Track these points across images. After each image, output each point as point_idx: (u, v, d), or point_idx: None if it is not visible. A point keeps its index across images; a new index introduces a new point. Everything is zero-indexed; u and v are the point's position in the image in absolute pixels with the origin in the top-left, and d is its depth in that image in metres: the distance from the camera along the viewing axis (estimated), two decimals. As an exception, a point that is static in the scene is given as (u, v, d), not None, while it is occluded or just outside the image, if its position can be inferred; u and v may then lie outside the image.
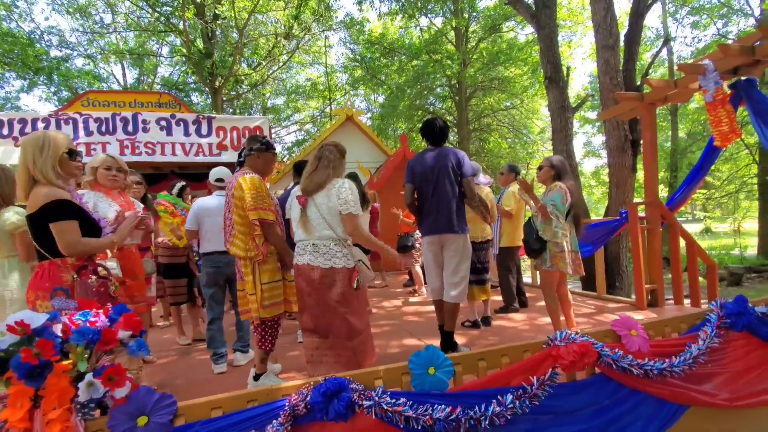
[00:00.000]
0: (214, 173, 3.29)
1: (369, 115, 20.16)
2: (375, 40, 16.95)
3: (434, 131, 3.08)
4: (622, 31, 6.07)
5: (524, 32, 15.56)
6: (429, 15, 16.45)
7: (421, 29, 17.06)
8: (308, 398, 1.35)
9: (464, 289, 3.03)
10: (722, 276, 11.32)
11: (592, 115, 18.96)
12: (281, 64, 16.63)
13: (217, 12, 12.58)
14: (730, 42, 3.59)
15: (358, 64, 18.37)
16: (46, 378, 1.18)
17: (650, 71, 14.21)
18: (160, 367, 3.26)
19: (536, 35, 7.69)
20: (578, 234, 3.22)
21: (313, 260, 2.24)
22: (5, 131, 6.08)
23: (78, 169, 2.03)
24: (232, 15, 12.88)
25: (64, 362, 1.22)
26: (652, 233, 4.06)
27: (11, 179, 2.37)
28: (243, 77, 14.94)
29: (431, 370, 1.61)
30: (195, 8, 12.19)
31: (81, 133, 6.07)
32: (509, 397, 1.61)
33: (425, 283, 5.08)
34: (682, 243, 4.12)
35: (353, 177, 3.70)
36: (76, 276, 1.84)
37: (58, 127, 6.10)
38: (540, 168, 3.29)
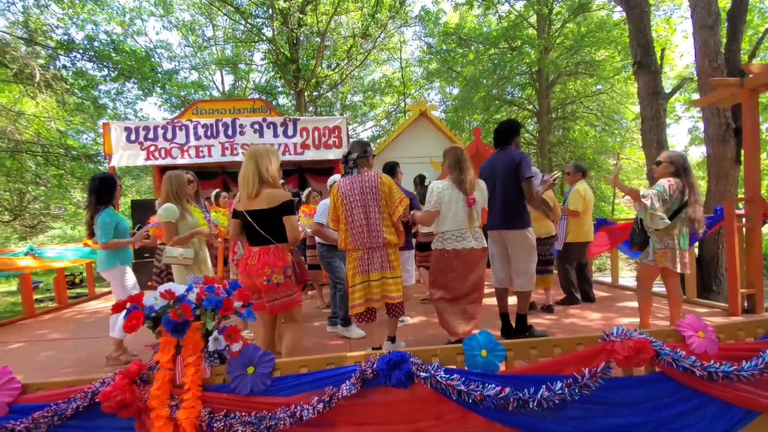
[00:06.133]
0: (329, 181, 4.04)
1: (443, 108, 20.04)
2: (451, 31, 16.75)
3: (498, 135, 3.37)
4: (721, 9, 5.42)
5: (618, 9, 14.23)
6: (510, 0, 15.77)
7: (500, 16, 16.44)
8: (375, 365, 1.63)
9: (530, 278, 3.27)
10: None
11: (697, 97, 16.69)
12: (358, 63, 17.28)
13: (300, 19, 13.51)
14: None
15: (432, 56, 18.33)
16: (186, 332, 1.61)
17: (762, 48, 12.17)
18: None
19: (625, 16, 7.13)
20: (695, 232, 3.13)
21: (476, 245, 2.98)
22: (132, 137, 7.25)
23: None
24: (314, 21, 13.72)
25: (197, 322, 1.64)
26: (752, 232, 3.68)
27: (182, 182, 3.10)
28: (323, 78, 15.84)
29: (483, 353, 1.79)
30: (282, 18, 13.23)
31: (191, 137, 7.10)
32: (558, 384, 1.72)
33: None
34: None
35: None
36: (291, 256, 2.43)
37: (174, 133, 7.17)
38: (658, 163, 3.20)
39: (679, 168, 3.04)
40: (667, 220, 2.98)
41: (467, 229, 2.98)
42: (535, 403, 1.68)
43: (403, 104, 19.97)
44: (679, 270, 3.06)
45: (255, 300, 2.42)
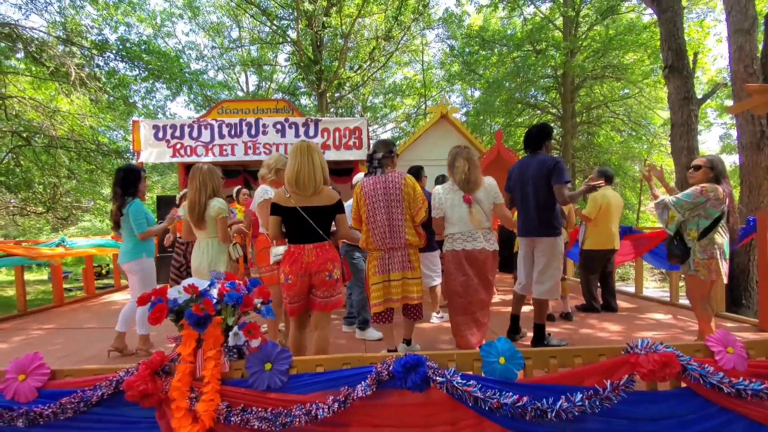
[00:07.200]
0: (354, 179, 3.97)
1: (464, 111, 19.90)
2: (474, 34, 16.59)
3: (528, 139, 3.29)
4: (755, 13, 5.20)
5: (648, 11, 13.80)
6: (536, 2, 15.50)
7: (524, 18, 16.20)
8: (391, 367, 1.62)
9: (551, 287, 3.19)
10: None
11: (731, 103, 16.02)
12: (381, 65, 17.33)
13: (324, 21, 13.64)
14: None
15: (455, 59, 18.21)
16: (207, 327, 1.64)
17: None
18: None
19: (657, 19, 6.93)
20: (732, 242, 3.04)
21: (488, 246, 2.83)
22: (160, 135, 7.42)
23: None
24: (338, 23, 13.84)
25: (218, 317, 1.68)
26: (788, 246, 3.52)
27: (218, 176, 2.97)
28: (346, 80, 15.96)
29: (502, 360, 1.76)
30: (306, 19, 13.40)
31: (216, 136, 7.24)
32: (579, 395, 1.68)
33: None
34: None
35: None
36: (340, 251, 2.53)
37: (199, 131, 7.33)
38: (696, 168, 3.02)
39: (719, 174, 2.91)
40: (672, 229, 2.95)
41: (477, 230, 2.85)
42: (553, 414, 1.64)
43: (423, 106, 19.93)
44: (714, 278, 2.94)
45: (297, 301, 2.39)
